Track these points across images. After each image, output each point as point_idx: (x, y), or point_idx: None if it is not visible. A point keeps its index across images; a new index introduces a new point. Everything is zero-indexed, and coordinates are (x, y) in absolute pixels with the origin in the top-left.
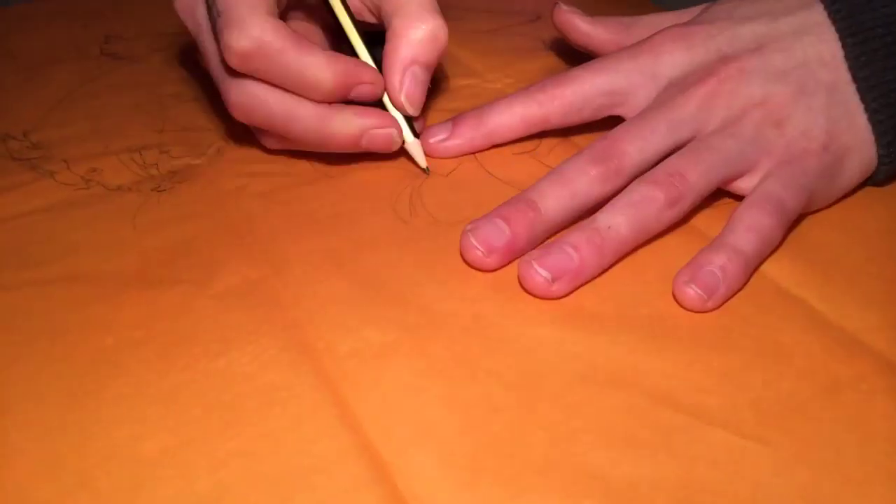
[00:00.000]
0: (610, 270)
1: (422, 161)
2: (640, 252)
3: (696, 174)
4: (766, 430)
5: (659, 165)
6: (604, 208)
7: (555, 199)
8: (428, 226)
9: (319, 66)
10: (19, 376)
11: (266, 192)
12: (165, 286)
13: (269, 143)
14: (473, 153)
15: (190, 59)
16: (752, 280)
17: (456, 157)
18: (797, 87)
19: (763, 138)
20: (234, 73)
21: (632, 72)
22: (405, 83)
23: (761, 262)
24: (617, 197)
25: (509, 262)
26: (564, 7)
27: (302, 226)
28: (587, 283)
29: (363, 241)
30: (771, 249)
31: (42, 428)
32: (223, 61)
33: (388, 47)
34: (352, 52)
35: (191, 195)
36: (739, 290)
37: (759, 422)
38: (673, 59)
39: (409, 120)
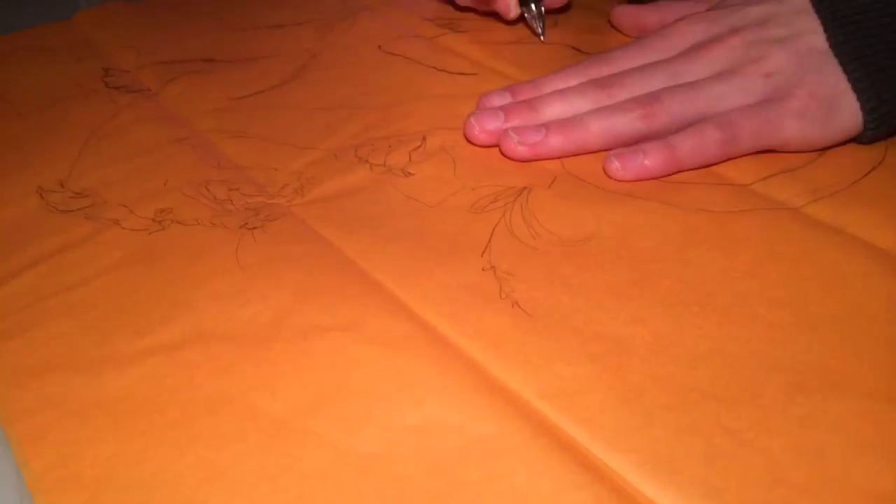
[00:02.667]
0: (763, 270)
1: (538, 29)
2: (787, 251)
3: (674, 101)
4: None
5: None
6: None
7: (554, 109)
8: (557, 248)
9: None
10: (197, 465)
11: (370, 230)
12: (312, 336)
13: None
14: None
15: (212, 90)
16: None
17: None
18: (793, 49)
19: (750, 85)
20: None
21: (662, 50)
22: None
23: (694, 166)
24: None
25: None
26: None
27: (424, 262)
28: (550, 158)
29: (503, 272)
30: (705, 160)
31: None
32: None
33: None
34: None
35: (288, 234)
36: (656, 176)
37: None
38: (695, 37)
39: None
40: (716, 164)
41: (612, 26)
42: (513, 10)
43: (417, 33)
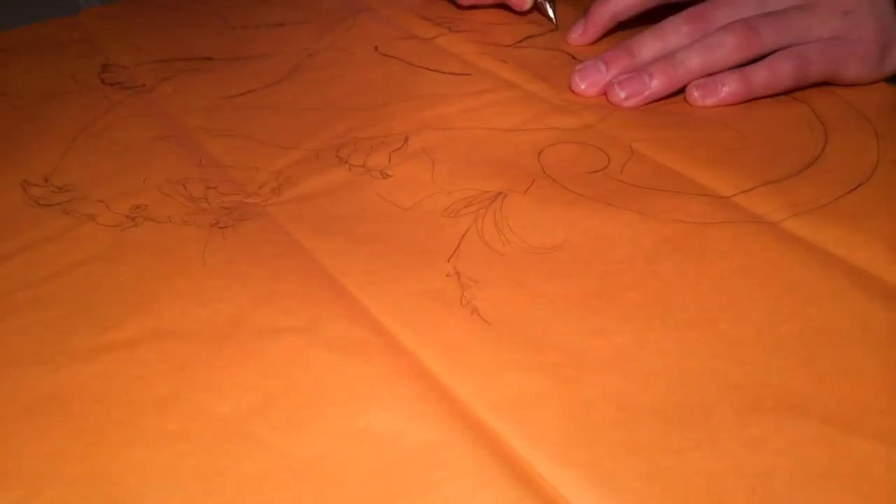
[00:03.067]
0: (731, 285)
1: (550, 14)
2: (761, 266)
3: (768, 30)
4: None
5: (741, 18)
6: (684, 46)
7: (650, 49)
8: (526, 255)
9: None
10: (139, 462)
11: (341, 232)
12: (268, 338)
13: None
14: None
15: (204, 88)
16: None
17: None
18: None
19: (830, 18)
20: None
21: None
22: None
23: (766, 94)
24: (699, 39)
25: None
26: None
27: (391, 267)
28: (657, 100)
29: (467, 278)
30: (776, 90)
31: None
32: None
33: None
34: None
35: (258, 235)
36: (734, 102)
37: None
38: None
39: None
40: (785, 92)
41: None
42: (527, 2)
43: (415, 34)
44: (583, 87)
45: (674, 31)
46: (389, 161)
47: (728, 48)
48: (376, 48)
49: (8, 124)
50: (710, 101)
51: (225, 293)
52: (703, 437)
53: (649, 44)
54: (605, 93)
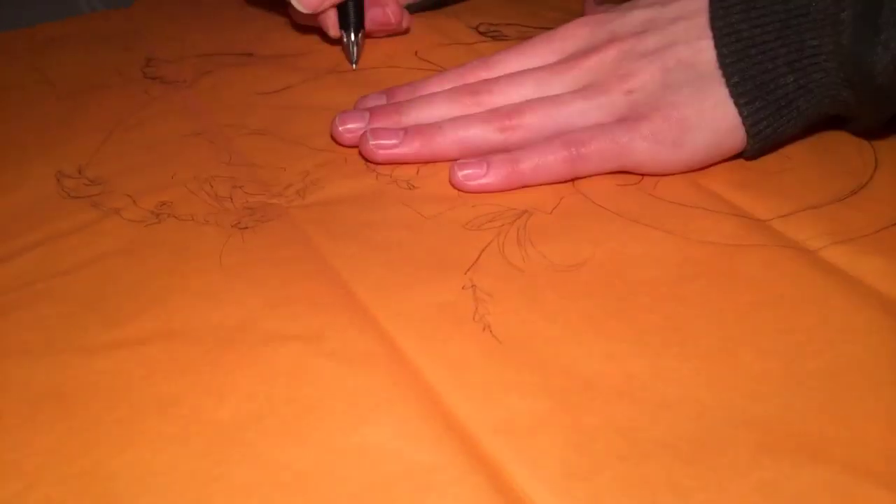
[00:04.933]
0: (759, 314)
1: (353, 56)
2: (792, 296)
3: (532, 115)
4: None
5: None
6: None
7: (418, 113)
8: (546, 272)
9: None
10: (135, 464)
11: (361, 238)
12: (274, 344)
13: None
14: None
15: (241, 84)
16: None
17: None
18: (660, 64)
19: (610, 103)
20: None
21: (544, 54)
22: None
23: (538, 183)
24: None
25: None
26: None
27: (406, 276)
28: (406, 162)
29: (483, 292)
30: (549, 177)
31: None
32: None
33: None
34: None
35: (278, 237)
36: (497, 190)
37: None
38: (576, 42)
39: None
40: (565, 181)
41: None
42: (332, 30)
43: (458, 40)
44: (340, 132)
45: (447, 101)
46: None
47: (488, 127)
48: (416, 53)
49: (51, 114)
50: (471, 187)
51: (237, 295)
52: (712, 478)
53: (420, 108)
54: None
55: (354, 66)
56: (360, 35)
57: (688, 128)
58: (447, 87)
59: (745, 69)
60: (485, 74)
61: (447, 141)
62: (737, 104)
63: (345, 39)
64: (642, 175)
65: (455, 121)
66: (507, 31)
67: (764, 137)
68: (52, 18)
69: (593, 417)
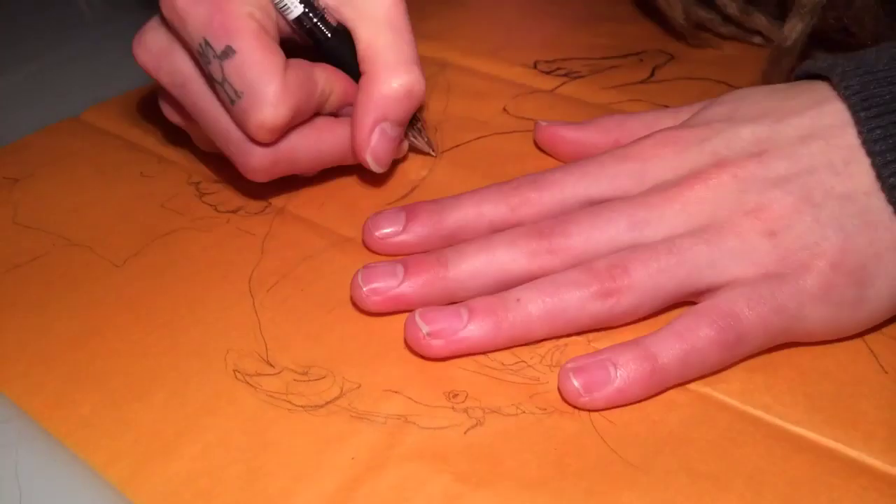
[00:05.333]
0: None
1: (426, 148)
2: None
3: (643, 273)
4: None
5: (606, 256)
6: (526, 283)
7: (470, 265)
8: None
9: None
10: None
11: None
12: None
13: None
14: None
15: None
16: None
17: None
18: (802, 195)
19: (749, 249)
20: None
21: (617, 177)
22: (373, 140)
23: (684, 381)
24: (545, 276)
25: (394, 311)
26: (544, 123)
27: None
28: (474, 353)
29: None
30: (700, 369)
31: None
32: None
33: (359, 96)
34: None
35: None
36: (636, 400)
37: None
38: (662, 164)
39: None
40: (716, 373)
41: (542, 149)
42: (403, 150)
43: (534, 87)
44: (366, 298)
45: (508, 246)
46: None
47: (585, 293)
48: (505, 109)
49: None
50: (600, 402)
51: None
52: None
53: (473, 257)
54: (394, 309)
55: (433, 152)
56: (420, 123)
57: (867, 279)
58: (487, 210)
59: None
60: (537, 199)
61: (531, 318)
62: None
63: (413, 140)
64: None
65: (536, 287)
66: (571, 66)
67: None
68: (52, 18)
69: None
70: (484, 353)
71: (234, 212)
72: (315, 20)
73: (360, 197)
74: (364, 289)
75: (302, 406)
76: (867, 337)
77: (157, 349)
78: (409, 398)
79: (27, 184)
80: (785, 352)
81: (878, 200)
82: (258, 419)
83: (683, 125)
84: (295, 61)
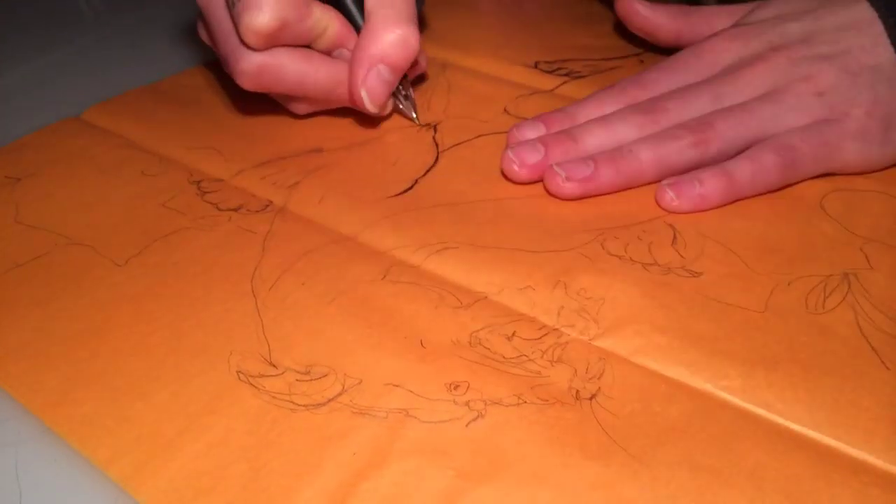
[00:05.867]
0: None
1: (412, 114)
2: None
3: (724, 125)
4: None
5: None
6: (633, 138)
7: (596, 138)
8: None
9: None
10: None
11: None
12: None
13: (299, 108)
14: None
15: (347, 188)
16: None
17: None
18: (841, 66)
19: (803, 105)
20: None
21: (699, 69)
22: (368, 78)
23: (752, 193)
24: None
25: (538, 179)
26: None
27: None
28: (600, 193)
29: None
30: (764, 186)
31: None
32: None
33: (359, 42)
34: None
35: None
36: (714, 205)
37: None
38: (730, 55)
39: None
40: (775, 190)
41: (619, 17)
42: (389, 107)
43: (535, 87)
44: (517, 170)
45: (622, 122)
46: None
47: (682, 142)
48: (505, 110)
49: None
50: (686, 205)
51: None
52: None
53: (597, 133)
54: (540, 178)
55: (417, 119)
56: (409, 89)
57: (893, 123)
58: (608, 109)
59: None
60: (642, 94)
61: (643, 163)
62: None
63: (400, 105)
64: (841, 175)
65: (645, 141)
66: (572, 67)
67: None
68: (52, 18)
69: None
70: (608, 193)
71: (235, 210)
72: None
73: (360, 193)
74: (515, 163)
75: (304, 405)
76: (868, 334)
77: (159, 349)
78: (410, 391)
79: (28, 183)
80: (786, 346)
81: None
82: (260, 419)
83: (739, 24)
84: None
